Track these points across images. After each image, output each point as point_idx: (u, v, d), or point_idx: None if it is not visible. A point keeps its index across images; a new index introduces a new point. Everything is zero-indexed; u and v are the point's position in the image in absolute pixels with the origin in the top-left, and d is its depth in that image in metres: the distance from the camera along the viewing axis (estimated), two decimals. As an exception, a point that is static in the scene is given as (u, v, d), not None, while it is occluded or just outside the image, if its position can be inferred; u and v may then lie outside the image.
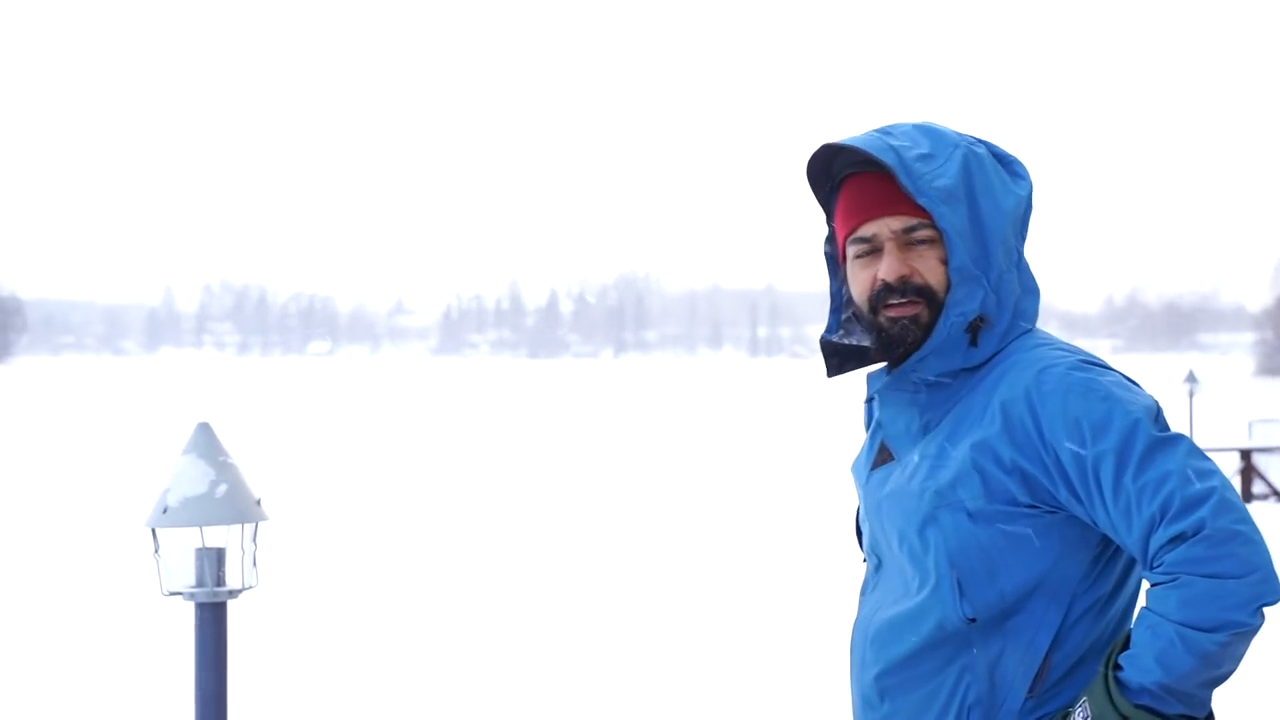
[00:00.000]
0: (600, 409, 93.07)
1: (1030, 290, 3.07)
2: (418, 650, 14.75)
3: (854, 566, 7.17)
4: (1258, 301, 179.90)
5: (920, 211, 2.96)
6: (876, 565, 3.14)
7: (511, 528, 26.39)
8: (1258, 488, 32.97)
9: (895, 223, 2.98)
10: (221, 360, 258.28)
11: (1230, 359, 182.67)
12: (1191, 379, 36.49)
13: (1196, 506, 2.74)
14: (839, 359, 3.17)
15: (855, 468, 3.24)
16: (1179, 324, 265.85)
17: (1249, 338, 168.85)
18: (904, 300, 2.97)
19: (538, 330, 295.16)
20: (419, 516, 28.76)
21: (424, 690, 13.01)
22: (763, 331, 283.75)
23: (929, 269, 2.97)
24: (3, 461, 46.95)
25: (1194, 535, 2.73)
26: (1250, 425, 48.58)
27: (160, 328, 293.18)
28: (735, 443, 58.03)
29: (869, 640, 3.05)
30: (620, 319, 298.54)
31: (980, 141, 3.07)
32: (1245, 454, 33.25)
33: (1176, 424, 46.89)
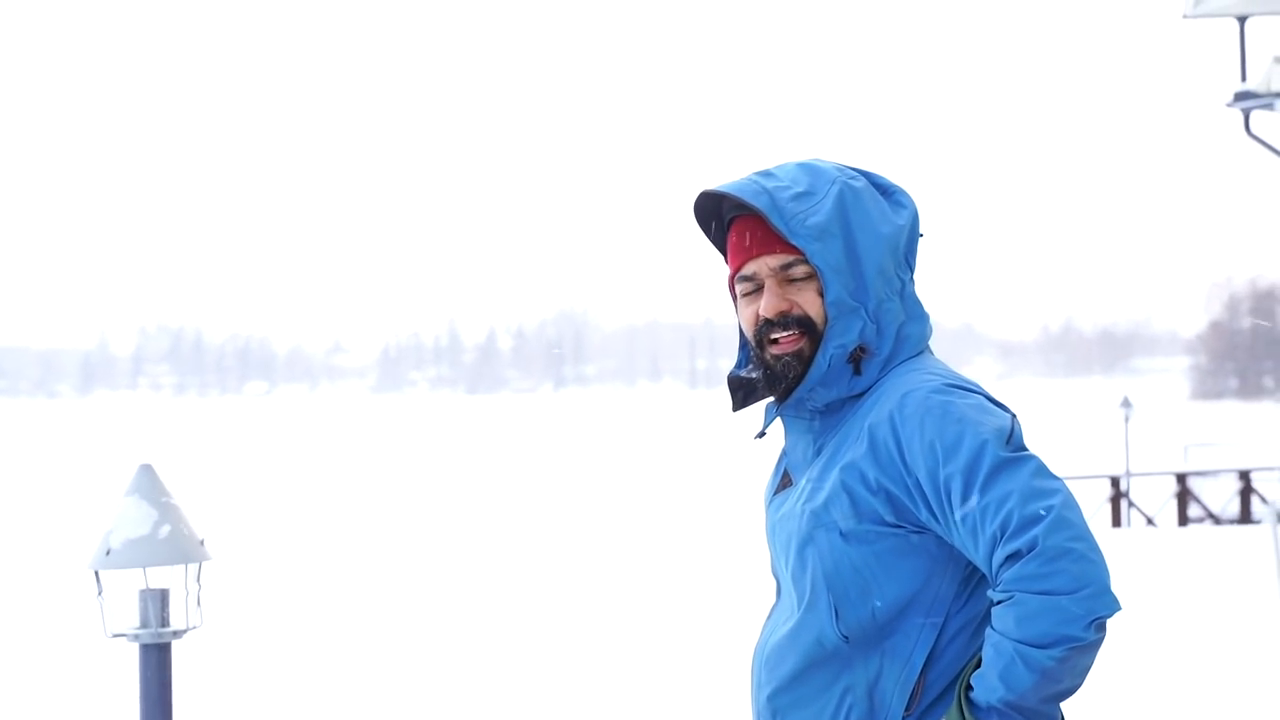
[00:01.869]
0: (540, 442, 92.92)
1: (915, 317, 3.15)
2: (363, 688, 14.72)
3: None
4: (1191, 327, 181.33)
5: (797, 251, 3.07)
6: (777, 588, 3.22)
7: (455, 562, 26.34)
8: (1193, 511, 33.16)
9: (773, 260, 3.10)
10: (158, 402, 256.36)
11: (1165, 383, 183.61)
12: (1126, 404, 36.72)
13: (1032, 525, 2.81)
14: (744, 393, 3.24)
15: (765, 495, 3.33)
16: (1114, 350, 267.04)
17: (1184, 362, 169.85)
18: (786, 334, 3.08)
19: (476, 367, 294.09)
20: (363, 554, 28.66)
21: (368, 729, 12.99)
22: (702, 364, 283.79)
23: (807, 302, 3.08)
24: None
25: (1028, 553, 2.79)
26: (1185, 449, 49.07)
27: (95, 371, 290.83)
28: (672, 473, 58.03)
29: (763, 661, 3.13)
30: (559, 354, 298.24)
31: (861, 174, 3.18)
32: (1181, 478, 33.50)
33: (1110, 449, 47.20)
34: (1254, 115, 20.54)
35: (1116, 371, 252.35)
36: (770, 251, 3.10)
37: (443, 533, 33.64)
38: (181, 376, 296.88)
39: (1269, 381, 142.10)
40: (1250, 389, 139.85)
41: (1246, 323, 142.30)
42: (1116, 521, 31.77)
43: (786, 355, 3.09)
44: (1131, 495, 33.09)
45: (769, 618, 3.21)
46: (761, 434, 3.26)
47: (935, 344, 3.24)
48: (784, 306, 3.09)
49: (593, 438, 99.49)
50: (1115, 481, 32.48)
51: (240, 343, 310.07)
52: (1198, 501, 33.11)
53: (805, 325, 3.08)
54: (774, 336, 3.09)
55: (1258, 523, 31.08)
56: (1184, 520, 32.67)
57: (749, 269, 3.14)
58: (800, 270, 3.09)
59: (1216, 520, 32.76)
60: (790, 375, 3.09)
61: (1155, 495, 35.18)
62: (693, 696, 13.60)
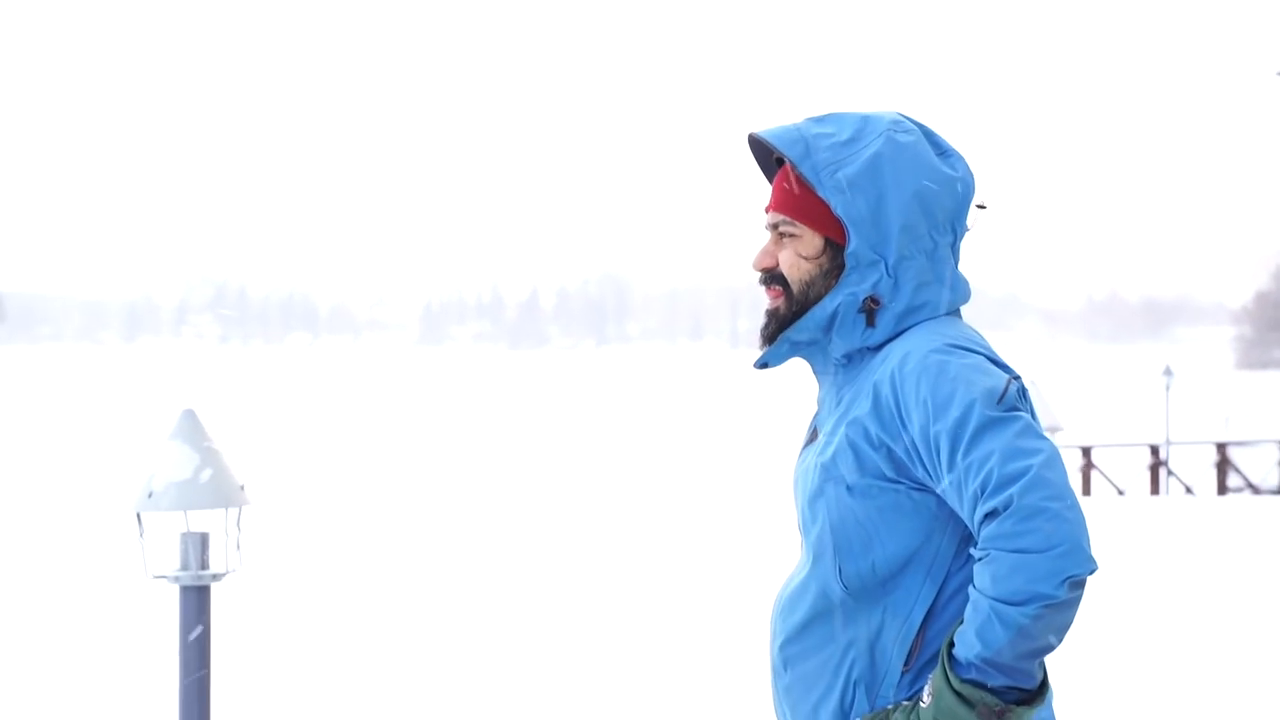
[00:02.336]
0: (582, 397, 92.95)
1: (940, 279, 3.13)
2: (401, 635, 14.80)
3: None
4: (1237, 298, 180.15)
5: (791, 209, 3.14)
6: (801, 541, 3.26)
7: (497, 514, 26.41)
8: (1233, 480, 33.03)
9: (772, 216, 3.19)
10: (202, 350, 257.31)
11: (1209, 353, 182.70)
12: (1168, 372, 36.58)
13: (1009, 484, 2.82)
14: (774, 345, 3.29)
15: (798, 451, 3.37)
16: (1158, 319, 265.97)
17: (1229, 332, 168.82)
18: (769, 289, 3.18)
19: (519, 323, 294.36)
20: (404, 503, 28.77)
21: (406, 675, 13.05)
22: (744, 324, 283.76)
23: (786, 260, 3.15)
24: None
25: (1004, 511, 2.82)
26: (1227, 419, 48.92)
27: (139, 320, 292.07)
28: (712, 429, 58.03)
29: (778, 611, 3.19)
30: (602, 312, 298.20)
31: (918, 129, 3.17)
32: (1221, 447, 33.33)
33: (1151, 417, 46.98)
34: (1303, 85, 20.37)
35: (1160, 340, 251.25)
36: (774, 206, 3.18)
37: (483, 484, 33.73)
38: (225, 327, 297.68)
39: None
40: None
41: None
42: (1155, 489, 31.71)
43: (770, 309, 3.19)
44: (1171, 464, 33.00)
45: (792, 572, 3.25)
46: (762, 364, 3.30)
47: (980, 312, 3.24)
48: (767, 263, 3.18)
49: (634, 393, 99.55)
50: (1155, 450, 32.40)
51: (284, 295, 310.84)
52: (1237, 471, 32.99)
53: (782, 283, 3.16)
54: (766, 289, 3.20)
55: (1297, 493, 31.03)
56: (1223, 489, 32.55)
57: (767, 219, 3.21)
58: (787, 228, 3.15)
59: (1255, 490, 32.66)
60: (769, 327, 3.18)
61: (1195, 464, 35.05)
62: (727, 650, 13.65)
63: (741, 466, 39.55)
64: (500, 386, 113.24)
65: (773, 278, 3.16)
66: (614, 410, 76.70)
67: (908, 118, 3.21)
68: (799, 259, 3.14)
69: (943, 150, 3.18)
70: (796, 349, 3.21)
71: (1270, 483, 33.36)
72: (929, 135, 3.19)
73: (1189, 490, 31.90)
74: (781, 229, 3.15)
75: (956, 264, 3.20)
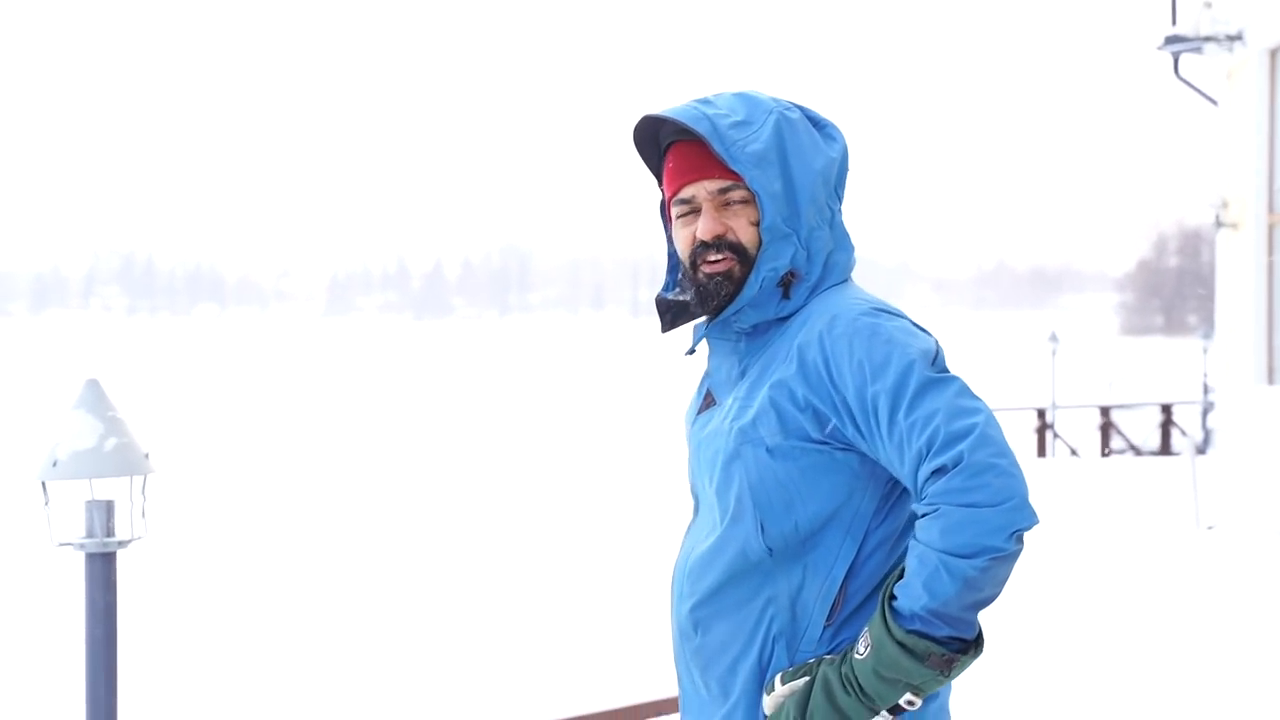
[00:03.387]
0: (487, 365, 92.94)
1: (843, 246, 3.20)
2: (302, 600, 14.76)
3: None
4: (1120, 266, 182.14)
5: (734, 175, 3.12)
6: (695, 505, 3.26)
7: (402, 482, 26.37)
8: (1116, 443, 33.40)
9: (711, 185, 3.14)
10: (110, 322, 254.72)
11: (1094, 320, 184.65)
12: (1054, 338, 36.97)
13: (957, 441, 2.86)
14: (672, 315, 3.28)
15: (686, 415, 3.37)
16: (1044, 287, 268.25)
17: (1113, 299, 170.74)
18: (719, 256, 3.12)
19: (424, 294, 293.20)
20: (308, 472, 28.66)
21: (307, 640, 13.02)
22: (644, 294, 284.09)
23: (741, 228, 3.13)
24: (-109, 422, 46.19)
25: (954, 468, 2.85)
26: (1110, 383, 49.47)
27: (47, 291, 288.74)
28: (613, 394, 58.15)
29: (685, 575, 3.17)
30: (505, 282, 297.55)
31: (795, 106, 3.22)
32: (1105, 410, 33.70)
33: (1038, 382, 47.51)
34: (1183, 59, 20.58)
35: (1046, 308, 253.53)
36: (709, 176, 3.13)
37: (388, 452, 33.66)
38: (133, 299, 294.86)
39: (1193, 319, 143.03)
40: (1175, 325, 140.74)
41: (1173, 261, 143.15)
42: (1042, 452, 32.00)
43: (718, 275, 3.12)
44: (1057, 427, 33.34)
45: (688, 533, 3.24)
46: (691, 351, 3.28)
47: (873, 280, 3.28)
48: (720, 230, 3.12)
49: (538, 361, 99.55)
50: (1041, 413, 32.70)
51: (191, 267, 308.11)
52: (1120, 433, 33.35)
53: (737, 250, 3.12)
54: (709, 258, 3.13)
55: (1177, 454, 31.40)
56: (1107, 451, 32.91)
57: (687, 192, 3.16)
58: (737, 195, 3.12)
59: (1137, 451, 33.04)
60: (722, 294, 3.12)
61: (1080, 427, 35.45)
62: (623, 611, 13.69)
63: (643, 432, 39.65)
64: (406, 356, 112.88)
65: (725, 245, 3.12)
66: (518, 378, 76.67)
67: (778, 96, 3.24)
68: (750, 226, 3.13)
69: (819, 124, 3.22)
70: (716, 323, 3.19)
71: (1151, 445, 33.78)
72: (804, 110, 3.23)
73: (1074, 452, 32.23)
74: (732, 195, 3.12)
75: (845, 230, 3.24)
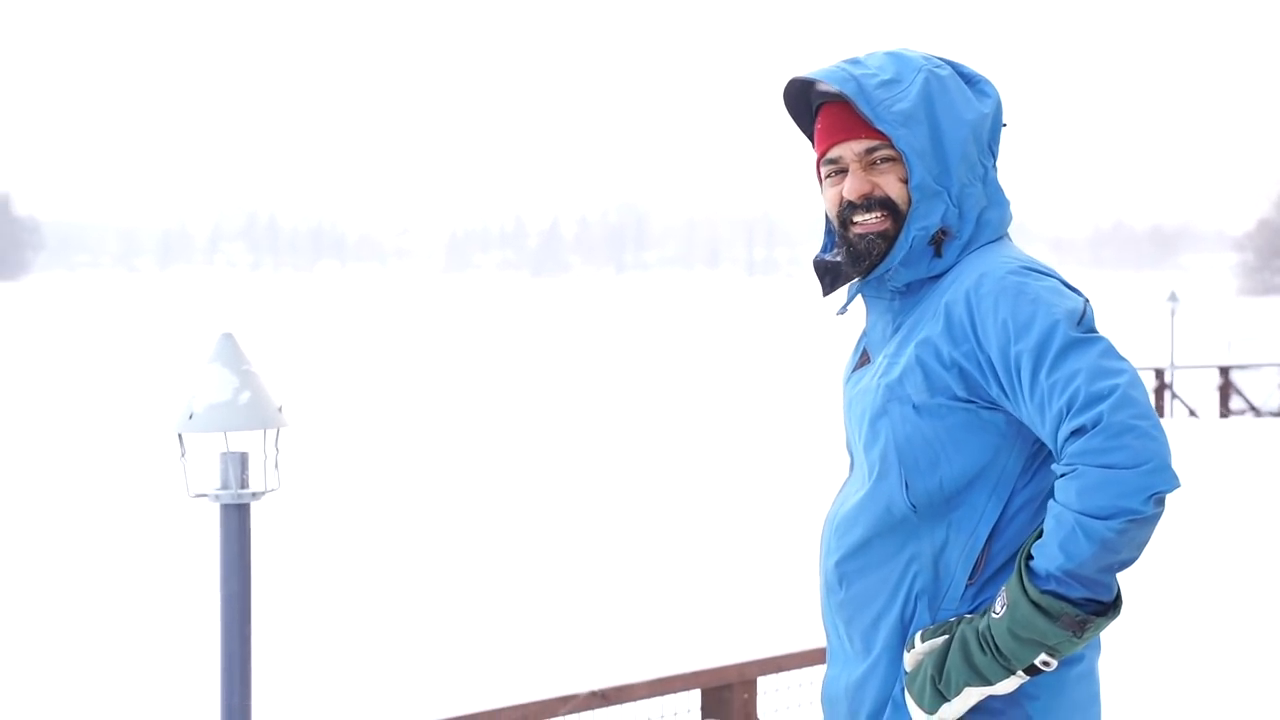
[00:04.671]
0: (604, 323, 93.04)
1: (997, 203, 3.16)
2: (431, 548, 14.88)
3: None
4: (1239, 225, 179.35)
5: (882, 135, 3.10)
6: (850, 462, 3.26)
7: (522, 436, 26.49)
8: (1235, 403, 32.97)
9: (858, 145, 3.12)
10: (234, 277, 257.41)
11: (1213, 280, 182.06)
12: (1173, 298, 36.45)
13: (1098, 402, 2.83)
14: (831, 277, 3.26)
15: (844, 373, 3.35)
16: (1163, 246, 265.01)
17: (1232, 259, 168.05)
18: (869, 215, 3.11)
19: (540, 251, 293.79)
20: (429, 427, 28.86)
21: (435, 589, 13.14)
22: (759, 253, 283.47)
23: (890, 185, 3.11)
24: (27, 372, 47.02)
25: (1093, 428, 2.82)
26: (1229, 343, 48.78)
27: (173, 247, 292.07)
28: (732, 352, 58.06)
29: (833, 529, 3.17)
30: (621, 240, 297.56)
31: (946, 63, 3.18)
32: (1224, 370, 33.26)
33: (1152, 342, 46.90)
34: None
35: (1165, 267, 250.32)
36: (855, 136, 3.12)
37: (507, 407, 33.80)
38: (256, 255, 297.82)
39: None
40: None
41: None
42: (1160, 412, 31.60)
43: (871, 234, 3.11)
44: (1175, 387, 32.95)
45: (842, 489, 3.24)
46: (843, 310, 3.26)
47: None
48: (866, 189, 3.11)
49: (654, 319, 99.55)
50: (1160, 373, 32.33)
51: (313, 224, 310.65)
52: (1239, 394, 32.91)
53: (888, 207, 3.10)
54: (857, 219, 3.12)
55: (1298, 416, 30.98)
56: (1225, 412, 32.50)
57: (834, 153, 3.15)
58: (883, 154, 3.11)
59: (1257, 412, 32.60)
60: (874, 253, 3.11)
61: (1199, 387, 34.99)
62: (761, 568, 13.71)
63: (760, 390, 39.59)
64: (523, 313, 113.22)
65: (875, 202, 3.11)
66: (635, 336, 76.72)
67: (930, 54, 3.21)
68: (901, 184, 3.11)
69: (970, 79, 3.20)
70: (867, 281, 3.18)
71: (1271, 405, 33.27)
72: (955, 66, 3.21)
73: (1193, 413, 31.87)
74: (879, 154, 3.11)
75: (1000, 187, 3.21)
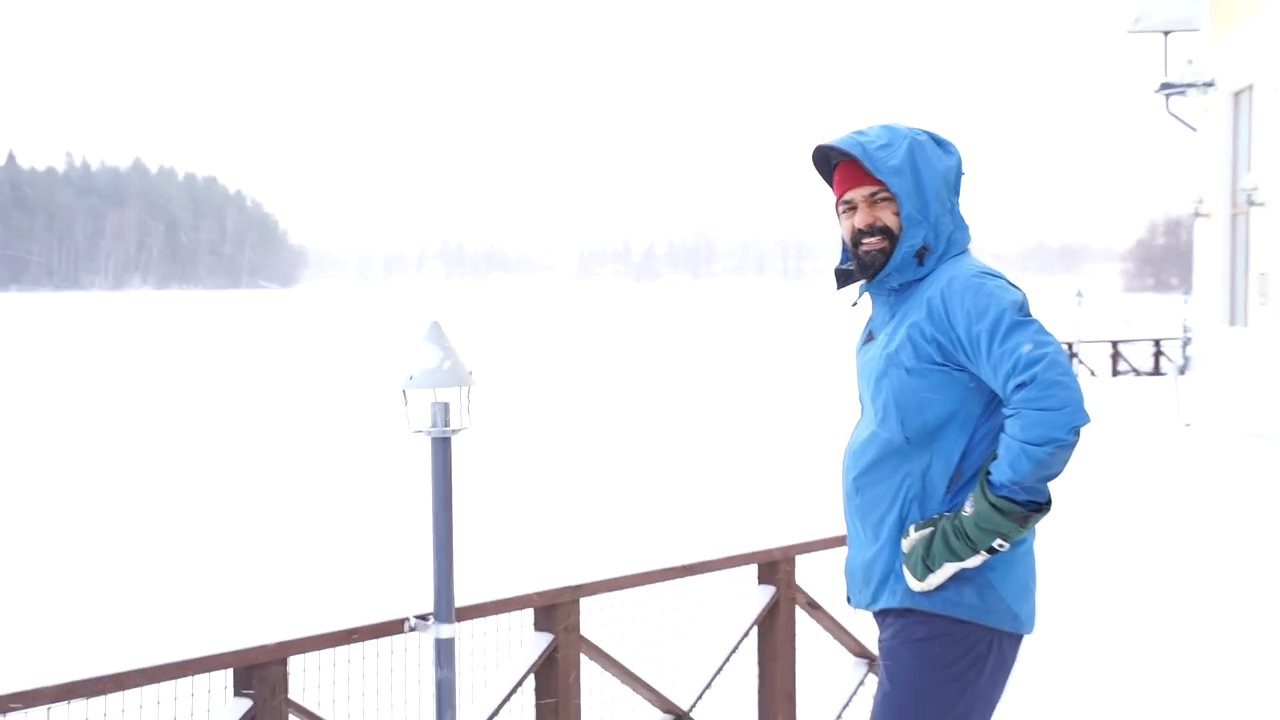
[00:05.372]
0: (686, 317, 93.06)
1: (960, 227, 3.21)
2: (570, 469, 14.86)
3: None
4: (1124, 244, 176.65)
5: (880, 182, 3.14)
6: (861, 408, 3.27)
7: (637, 401, 26.45)
8: (1121, 366, 32.91)
9: (864, 190, 3.16)
10: (434, 286, 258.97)
11: (1106, 282, 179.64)
12: (1079, 295, 36.35)
13: (1034, 365, 2.88)
14: (843, 279, 3.29)
15: (856, 347, 3.38)
16: (1070, 258, 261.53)
17: (1118, 268, 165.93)
18: (873, 238, 3.15)
19: (641, 264, 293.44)
20: (572, 387, 28.95)
21: (597, 515, 13.12)
22: (793, 265, 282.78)
23: (887, 217, 3.15)
24: (305, 351, 47.55)
25: (1031, 383, 2.87)
26: (1118, 325, 48.08)
27: (393, 264, 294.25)
28: (777, 335, 57.88)
29: (851, 455, 3.19)
30: (697, 256, 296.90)
31: (923, 131, 3.22)
32: (1114, 344, 33.23)
33: (1064, 325, 46.41)
34: (1172, 100, 20.15)
35: (1073, 273, 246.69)
36: (862, 184, 3.17)
37: (626, 376, 33.81)
38: (449, 269, 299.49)
39: (1175, 280, 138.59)
40: (1163, 286, 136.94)
41: (1161, 241, 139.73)
42: (1070, 373, 31.35)
43: (874, 251, 3.15)
44: (1080, 355, 32.72)
45: (856, 427, 3.27)
46: (855, 304, 3.32)
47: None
48: (871, 220, 3.16)
49: (722, 314, 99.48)
50: (1070, 345, 32.03)
51: (487, 246, 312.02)
52: (1125, 360, 32.81)
53: (886, 232, 3.15)
54: (864, 241, 3.16)
55: (1164, 375, 30.68)
56: (1116, 373, 32.44)
57: (848, 196, 3.19)
58: (882, 195, 3.15)
59: (1137, 373, 32.41)
60: (876, 264, 3.16)
61: (1097, 355, 34.84)
62: (803, 482, 13.62)
63: (796, 362, 39.49)
64: (631, 312, 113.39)
65: (877, 230, 3.15)
66: (710, 327, 76.74)
67: (913, 125, 3.24)
68: (894, 216, 3.15)
69: (940, 142, 3.23)
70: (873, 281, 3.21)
71: (1146, 367, 33.09)
72: (930, 134, 3.23)
73: (1093, 373, 31.78)
74: (878, 197, 3.14)
75: (962, 216, 3.24)
